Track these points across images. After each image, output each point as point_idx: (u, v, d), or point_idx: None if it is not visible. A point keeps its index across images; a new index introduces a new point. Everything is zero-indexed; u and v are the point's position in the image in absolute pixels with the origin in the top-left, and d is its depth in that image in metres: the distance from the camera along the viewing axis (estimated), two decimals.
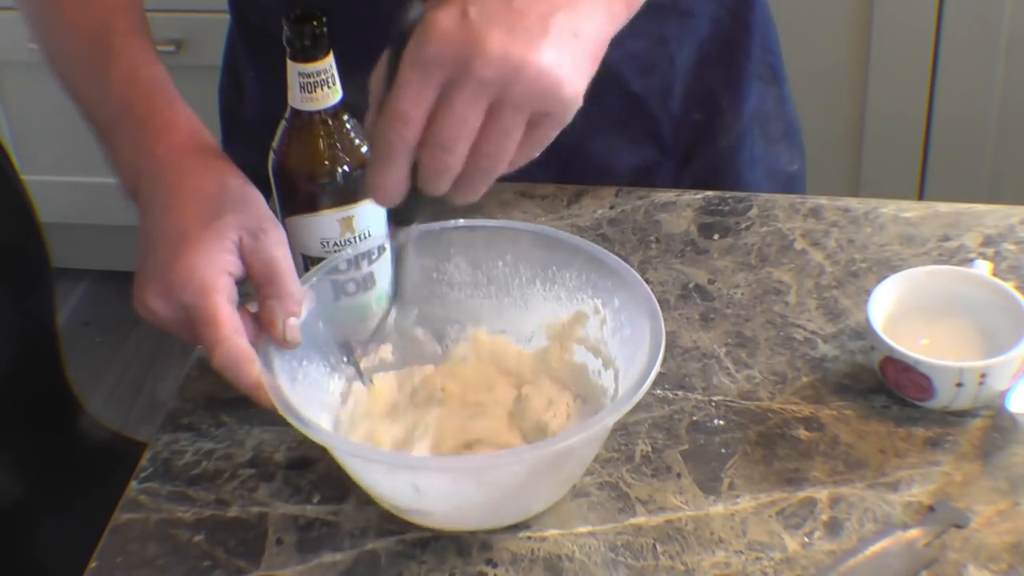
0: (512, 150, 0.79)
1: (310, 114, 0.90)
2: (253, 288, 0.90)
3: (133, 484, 0.94)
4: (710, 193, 1.16)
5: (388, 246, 0.94)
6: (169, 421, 0.99)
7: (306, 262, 0.94)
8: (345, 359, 0.93)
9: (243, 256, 0.89)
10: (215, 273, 0.87)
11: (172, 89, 0.97)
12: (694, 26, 1.15)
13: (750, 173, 1.23)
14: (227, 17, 1.22)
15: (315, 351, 0.92)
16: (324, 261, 0.93)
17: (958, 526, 0.87)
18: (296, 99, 0.90)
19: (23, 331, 1.23)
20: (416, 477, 0.85)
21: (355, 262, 0.94)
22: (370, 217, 0.93)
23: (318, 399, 0.92)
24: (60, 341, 1.29)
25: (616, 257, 0.93)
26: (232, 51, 1.24)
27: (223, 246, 0.88)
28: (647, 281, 1.07)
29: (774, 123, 1.26)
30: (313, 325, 0.92)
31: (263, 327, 0.88)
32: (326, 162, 0.91)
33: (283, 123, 0.92)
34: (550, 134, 0.80)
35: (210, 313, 0.87)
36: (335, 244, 0.93)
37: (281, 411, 0.84)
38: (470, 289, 0.97)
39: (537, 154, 0.81)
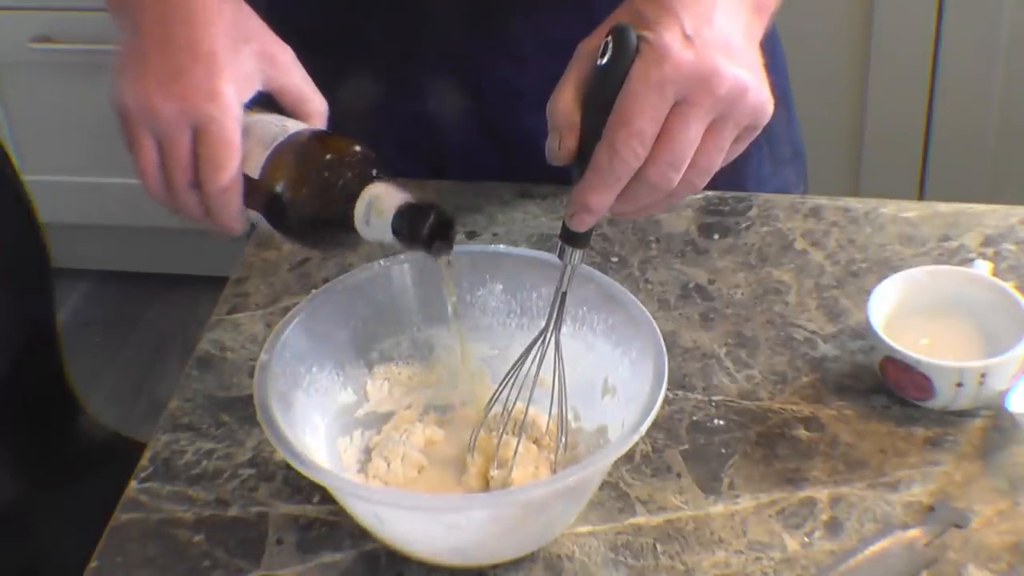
0: (719, 164, 0.84)
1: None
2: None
3: (133, 484, 0.94)
4: (710, 193, 1.16)
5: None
6: (169, 421, 0.99)
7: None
8: None
9: (265, 81, 0.89)
10: (240, 94, 0.87)
11: None
12: None
13: (758, 192, 1.23)
14: None
15: (330, 359, 0.92)
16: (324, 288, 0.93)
17: (958, 526, 0.87)
18: (361, 226, 0.83)
19: (23, 331, 1.23)
20: (375, 508, 0.84)
21: None
22: None
23: (320, 406, 0.91)
24: (60, 341, 1.29)
25: (643, 308, 0.89)
26: None
27: (248, 72, 0.88)
28: (647, 281, 1.08)
29: (783, 145, 1.26)
30: (333, 333, 0.92)
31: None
32: (331, 240, 0.88)
33: (313, 169, 0.85)
34: (745, 146, 0.85)
35: (228, 125, 0.85)
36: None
37: (260, 418, 0.83)
38: (503, 317, 0.96)
39: (724, 165, 0.85)
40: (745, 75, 0.81)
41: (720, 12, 0.83)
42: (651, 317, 0.88)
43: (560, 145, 0.83)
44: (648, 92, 0.79)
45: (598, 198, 0.82)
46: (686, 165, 0.82)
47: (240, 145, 0.86)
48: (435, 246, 0.82)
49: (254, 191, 0.87)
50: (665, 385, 0.83)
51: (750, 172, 1.22)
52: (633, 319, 0.89)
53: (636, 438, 0.80)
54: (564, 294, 0.87)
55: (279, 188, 0.85)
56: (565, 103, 0.83)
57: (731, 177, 1.21)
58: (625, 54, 0.80)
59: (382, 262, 0.95)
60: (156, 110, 0.85)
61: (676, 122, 0.80)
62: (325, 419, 0.92)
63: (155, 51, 0.87)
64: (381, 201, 0.82)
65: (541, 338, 0.88)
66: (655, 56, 0.80)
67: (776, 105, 1.29)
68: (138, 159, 0.88)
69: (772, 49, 1.22)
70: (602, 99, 0.81)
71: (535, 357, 0.89)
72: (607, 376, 0.91)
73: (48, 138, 2.45)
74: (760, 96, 0.83)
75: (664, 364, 0.84)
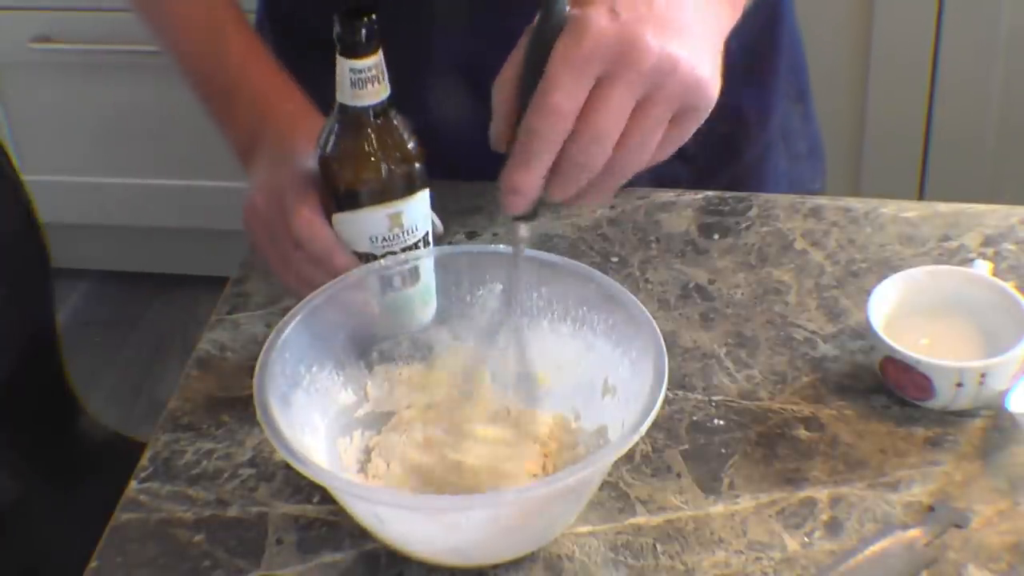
0: (655, 144, 0.81)
1: (361, 110, 0.90)
2: None
3: (133, 484, 0.94)
4: (710, 193, 1.16)
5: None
6: (169, 421, 0.99)
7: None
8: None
9: None
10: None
11: (278, 67, 1.06)
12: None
13: (774, 188, 1.22)
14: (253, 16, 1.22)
15: (330, 359, 0.92)
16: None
17: (958, 526, 0.87)
18: (346, 95, 0.90)
19: (23, 331, 1.23)
20: (375, 508, 0.84)
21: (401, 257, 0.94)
22: (417, 212, 0.94)
23: (320, 406, 0.91)
24: (60, 341, 1.29)
25: (643, 308, 0.89)
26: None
27: None
28: (647, 281, 1.08)
29: (799, 140, 1.26)
30: (334, 334, 0.92)
31: None
32: (377, 158, 0.92)
33: (331, 121, 0.92)
34: (691, 129, 0.82)
35: (303, 195, 0.94)
36: (383, 240, 0.93)
37: (260, 418, 0.83)
38: (501, 316, 0.95)
39: (673, 151, 0.83)
40: (677, 51, 0.78)
41: None
42: (651, 317, 0.88)
43: (498, 130, 0.83)
44: (564, 68, 0.78)
45: (521, 177, 0.81)
46: (611, 142, 0.80)
47: (310, 186, 0.94)
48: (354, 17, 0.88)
49: (327, 201, 0.95)
50: (665, 385, 0.83)
51: (768, 168, 1.22)
52: (633, 319, 0.89)
53: (636, 438, 0.80)
54: (516, 273, 0.89)
55: (321, 162, 0.94)
56: (503, 86, 0.82)
57: (744, 174, 1.21)
58: (549, 17, 0.79)
59: (382, 262, 0.95)
60: (253, 207, 0.97)
61: (597, 97, 0.78)
62: (325, 419, 0.92)
63: (260, 173, 0.99)
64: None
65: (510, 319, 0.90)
66: (576, 31, 0.78)
67: (793, 101, 1.29)
68: (266, 258, 0.99)
69: (792, 45, 1.22)
70: (531, 70, 0.80)
71: (511, 336, 0.90)
72: (607, 376, 0.91)
73: (48, 138, 2.45)
74: (694, 74, 0.79)
75: (664, 364, 0.84)
